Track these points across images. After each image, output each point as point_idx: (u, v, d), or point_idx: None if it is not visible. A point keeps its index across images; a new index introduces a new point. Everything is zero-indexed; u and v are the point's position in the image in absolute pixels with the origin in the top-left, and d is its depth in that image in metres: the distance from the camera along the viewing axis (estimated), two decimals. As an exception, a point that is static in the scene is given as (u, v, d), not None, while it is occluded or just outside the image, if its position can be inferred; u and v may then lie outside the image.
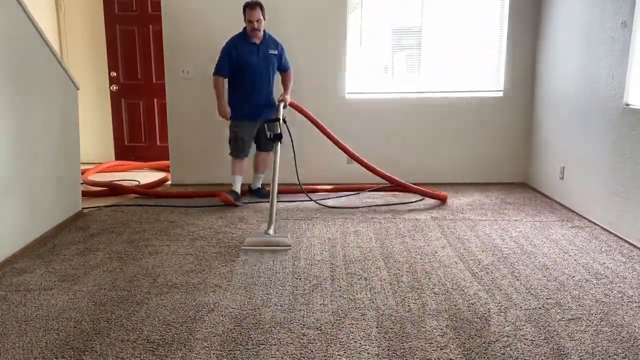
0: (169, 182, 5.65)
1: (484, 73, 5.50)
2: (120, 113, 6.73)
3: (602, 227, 4.00)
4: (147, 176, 6.01)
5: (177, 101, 5.45)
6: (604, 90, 4.01)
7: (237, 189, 4.81)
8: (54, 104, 4.05)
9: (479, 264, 3.31)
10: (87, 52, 6.74)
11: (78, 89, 4.45)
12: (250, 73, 4.60)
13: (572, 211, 4.48)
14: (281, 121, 4.52)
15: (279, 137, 4.38)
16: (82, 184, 4.85)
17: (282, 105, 4.63)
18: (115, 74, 6.65)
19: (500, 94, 5.44)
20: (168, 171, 5.94)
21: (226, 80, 4.68)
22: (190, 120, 5.48)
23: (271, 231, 3.80)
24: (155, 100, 6.65)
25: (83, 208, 4.55)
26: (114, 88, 6.68)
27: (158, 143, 6.75)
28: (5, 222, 3.37)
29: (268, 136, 4.43)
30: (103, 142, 6.84)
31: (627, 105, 3.74)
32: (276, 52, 4.70)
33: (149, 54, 6.57)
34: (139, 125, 6.76)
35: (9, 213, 3.41)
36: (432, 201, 4.87)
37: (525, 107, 5.43)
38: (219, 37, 5.22)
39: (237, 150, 4.76)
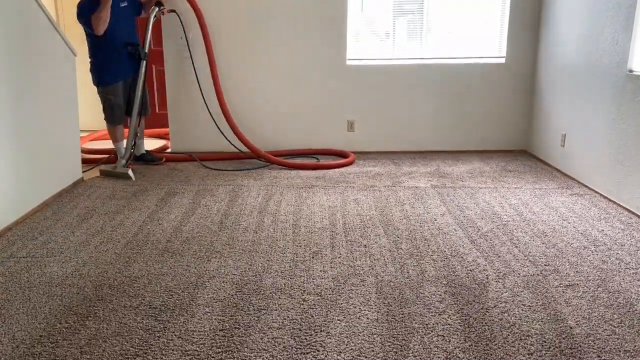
0: (169, 150, 5.63)
1: (486, 39, 5.42)
2: (119, 80, 6.65)
3: (601, 195, 4.01)
4: (146, 143, 5.97)
5: (175, 68, 5.38)
6: (607, 57, 3.96)
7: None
8: (51, 71, 4.01)
9: (478, 232, 3.33)
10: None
11: (75, 55, 4.39)
12: (111, 34, 4.40)
13: (573, 179, 4.48)
14: (149, 38, 4.69)
15: (144, 56, 4.60)
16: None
17: (153, 14, 4.67)
18: (113, 40, 6.55)
19: (502, 61, 5.37)
20: (167, 138, 5.91)
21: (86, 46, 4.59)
22: (188, 87, 5.42)
23: (122, 162, 4.54)
24: (154, 66, 6.57)
25: (83, 174, 4.56)
26: (112, 54, 6.58)
27: (157, 110, 6.70)
28: (5, 189, 3.38)
29: (132, 53, 4.54)
30: (101, 109, 6.78)
31: (631, 71, 3.69)
32: (126, 3, 4.55)
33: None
34: (137, 93, 6.69)
35: (8, 181, 3.41)
36: (431, 169, 4.87)
37: (527, 73, 5.37)
38: (217, 2, 5.14)
39: (115, 117, 4.69)
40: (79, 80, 4.52)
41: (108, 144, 5.90)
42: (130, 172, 4.47)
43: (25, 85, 3.62)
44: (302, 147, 5.50)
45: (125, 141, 4.78)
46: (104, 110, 4.67)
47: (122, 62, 4.59)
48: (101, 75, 4.55)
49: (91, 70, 4.58)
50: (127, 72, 4.66)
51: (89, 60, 4.56)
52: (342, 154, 5.33)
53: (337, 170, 4.85)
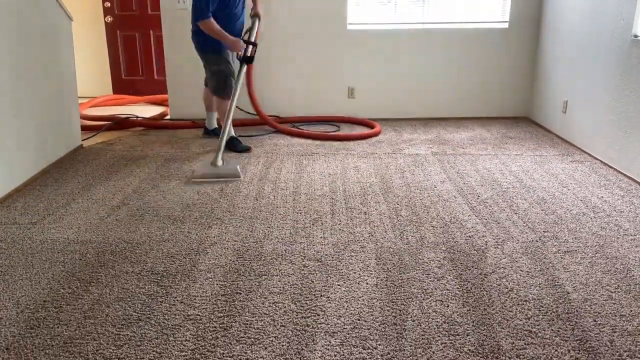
0: (168, 116, 5.60)
1: (489, 3, 5.33)
2: (116, 45, 6.58)
3: (602, 162, 4.01)
4: (145, 110, 5.95)
5: (173, 33, 5.31)
6: (612, 21, 3.90)
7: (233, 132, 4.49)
8: (47, 36, 3.95)
9: (477, 198, 3.33)
10: (79, -19, 6.50)
11: (72, 20, 4.32)
12: (227, 7, 4.16)
13: (574, 145, 4.47)
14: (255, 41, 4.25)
15: (249, 60, 4.19)
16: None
17: (257, 21, 4.31)
18: (110, 5, 6.45)
19: (506, 25, 5.29)
20: (166, 105, 5.88)
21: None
22: (187, 52, 5.34)
23: (219, 162, 3.78)
24: (152, 32, 6.48)
25: (82, 142, 4.55)
26: (109, 19, 6.49)
27: (155, 77, 6.64)
28: (5, 157, 3.37)
29: (237, 57, 4.24)
30: (100, 75, 6.74)
31: (636, 37, 3.64)
32: None
33: (143, -17, 6.34)
34: (135, 58, 6.63)
35: (7, 149, 3.40)
36: (431, 136, 4.85)
37: (530, 38, 5.30)
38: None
39: (227, 89, 4.30)
40: (78, 46, 4.46)
41: (107, 111, 5.88)
42: (238, 168, 3.74)
43: (21, 51, 3.57)
44: (304, 115, 5.46)
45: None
46: (218, 82, 4.32)
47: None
48: (212, 43, 4.18)
49: (199, 41, 4.25)
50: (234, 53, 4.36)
51: (195, 29, 4.20)
52: (368, 124, 5.19)
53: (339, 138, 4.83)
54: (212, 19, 4.04)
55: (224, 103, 4.33)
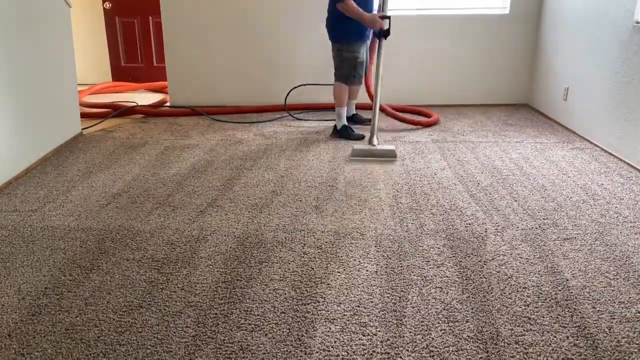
0: (168, 103, 5.59)
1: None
2: (115, 32, 6.55)
3: (602, 149, 4.00)
4: (144, 97, 5.93)
5: (172, 19, 5.28)
6: (614, 8, 3.87)
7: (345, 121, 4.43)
8: (45, 23, 3.93)
9: (477, 186, 3.34)
10: (77, -34, 6.45)
11: (70, 6, 4.30)
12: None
13: (574, 133, 4.46)
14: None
15: (386, 34, 4.07)
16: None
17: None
18: (108, -9, 6.41)
19: (507, 12, 5.26)
20: (166, 92, 5.86)
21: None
22: (187, 39, 5.33)
23: (375, 141, 3.93)
24: (151, 18, 6.45)
25: (82, 129, 4.54)
26: (108, 6, 6.45)
27: (155, 64, 6.62)
28: (4, 145, 3.37)
29: (375, 32, 4.17)
30: (99, 63, 6.71)
31: (638, 23, 3.62)
32: None
33: (142, -32, 6.30)
34: (134, 45, 6.60)
35: (7, 136, 3.39)
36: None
37: (531, 25, 5.27)
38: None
39: (357, 75, 4.31)
40: (77, 33, 4.43)
41: (107, 98, 5.86)
42: (395, 148, 3.83)
43: (19, 38, 3.55)
44: (313, 102, 5.38)
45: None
46: (344, 68, 4.28)
47: (366, 28, 4.24)
48: (349, 31, 4.19)
49: (334, 28, 4.26)
50: (369, 35, 4.33)
51: (330, 16, 4.24)
52: (424, 114, 5.09)
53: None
54: (349, 1, 4.02)
55: (343, 90, 4.32)
